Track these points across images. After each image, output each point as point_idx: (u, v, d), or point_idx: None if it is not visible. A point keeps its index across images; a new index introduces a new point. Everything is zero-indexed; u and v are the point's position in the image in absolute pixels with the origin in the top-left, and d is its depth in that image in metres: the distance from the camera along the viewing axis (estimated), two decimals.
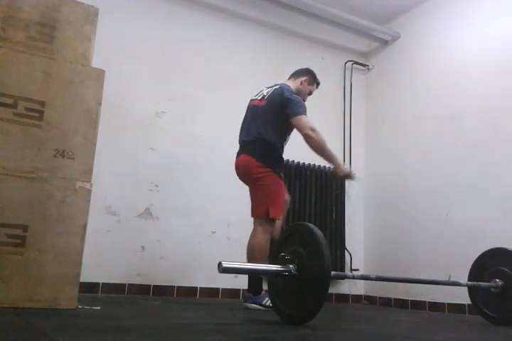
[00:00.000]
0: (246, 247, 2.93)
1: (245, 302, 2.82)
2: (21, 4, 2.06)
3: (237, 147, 3.79)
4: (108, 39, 3.32)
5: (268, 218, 2.78)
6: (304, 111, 2.81)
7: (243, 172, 2.88)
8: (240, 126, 3.03)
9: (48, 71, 2.04)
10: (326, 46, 4.56)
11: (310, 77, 3.12)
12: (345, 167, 2.95)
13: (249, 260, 2.78)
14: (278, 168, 2.84)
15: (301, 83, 3.07)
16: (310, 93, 3.15)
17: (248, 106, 3.05)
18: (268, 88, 3.02)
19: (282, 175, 2.88)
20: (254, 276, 2.80)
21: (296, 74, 3.12)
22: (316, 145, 2.81)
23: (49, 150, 1.99)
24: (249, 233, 3.75)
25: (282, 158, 2.92)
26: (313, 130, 2.78)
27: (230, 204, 3.75)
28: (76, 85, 2.09)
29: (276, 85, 2.99)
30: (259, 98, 2.98)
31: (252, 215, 2.89)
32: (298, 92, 3.00)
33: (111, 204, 3.33)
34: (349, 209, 4.26)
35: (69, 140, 2.03)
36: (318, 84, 3.17)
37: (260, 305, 2.72)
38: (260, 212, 2.80)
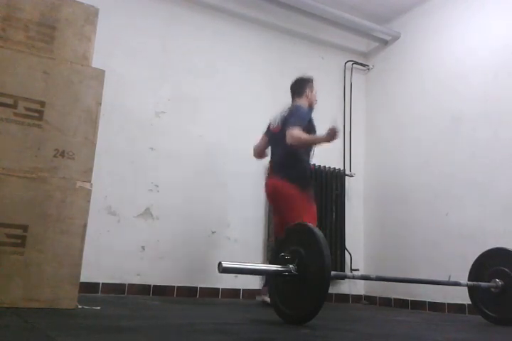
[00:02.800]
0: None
1: (261, 294, 2.94)
2: (21, 4, 2.06)
3: (237, 147, 3.81)
4: (108, 39, 3.32)
5: None
6: (295, 124, 2.92)
7: (273, 193, 3.04)
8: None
9: (48, 71, 2.04)
10: (326, 46, 4.56)
11: (308, 84, 3.23)
12: (327, 137, 2.92)
13: None
14: (308, 188, 3.02)
15: (307, 96, 3.20)
16: (315, 93, 3.27)
17: (270, 134, 3.20)
18: (281, 113, 3.16)
19: (312, 195, 3.05)
20: None
21: (298, 92, 3.22)
22: (300, 146, 2.98)
23: (49, 150, 1.99)
24: (249, 233, 3.77)
25: (309, 179, 3.14)
26: (294, 137, 2.88)
27: (230, 204, 3.75)
28: (76, 85, 2.09)
29: (287, 109, 3.14)
30: (275, 125, 3.14)
31: (277, 235, 3.02)
32: (310, 104, 3.20)
33: (111, 204, 3.33)
34: (349, 209, 4.26)
35: (69, 140, 2.03)
36: (312, 80, 3.27)
37: None
38: (281, 231, 2.89)
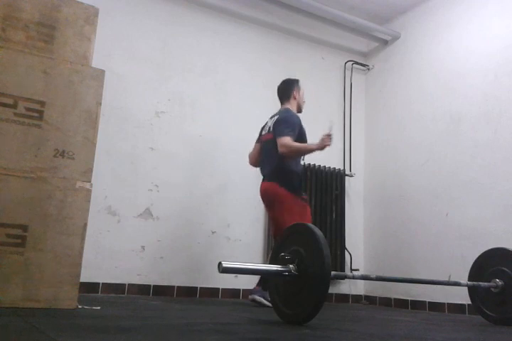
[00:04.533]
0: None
1: (252, 294, 2.94)
2: (21, 4, 2.06)
3: (237, 147, 3.81)
4: (108, 39, 3.33)
5: None
6: (285, 132, 2.93)
7: (265, 197, 3.04)
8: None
9: (48, 71, 2.04)
10: (326, 46, 4.56)
11: (294, 86, 3.21)
12: (320, 145, 2.94)
13: None
14: (298, 191, 3.02)
15: (295, 98, 3.19)
16: (303, 93, 3.25)
17: (262, 142, 3.19)
18: (271, 118, 3.16)
19: (304, 198, 3.05)
20: None
21: (284, 96, 3.21)
22: (293, 156, 3.00)
23: (49, 150, 1.99)
24: (249, 233, 3.78)
25: (301, 182, 3.14)
26: (286, 147, 2.90)
27: (230, 204, 3.75)
28: (76, 85, 2.09)
29: (276, 115, 3.13)
30: (267, 131, 3.13)
31: (273, 234, 3.07)
32: (299, 107, 3.20)
33: (111, 204, 3.33)
34: (349, 209, 4.27)
35: (69, 140, 2.03)
36: (298, 81, 3.26)
37: (267, 300, 2.81)
38: (276, 232, 2.95)
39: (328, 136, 2.92)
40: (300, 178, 3.12)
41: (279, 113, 3.12)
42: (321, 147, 2.94)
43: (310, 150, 3.02)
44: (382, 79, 4.57)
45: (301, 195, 3.05)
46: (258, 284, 2.99)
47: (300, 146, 2.95)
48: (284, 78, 3.29)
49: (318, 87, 4.33)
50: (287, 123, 2.99)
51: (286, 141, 2.89)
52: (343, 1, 4.31)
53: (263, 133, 3.20)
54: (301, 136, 3.01)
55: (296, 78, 3.26)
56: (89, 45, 2.18)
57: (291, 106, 3.17)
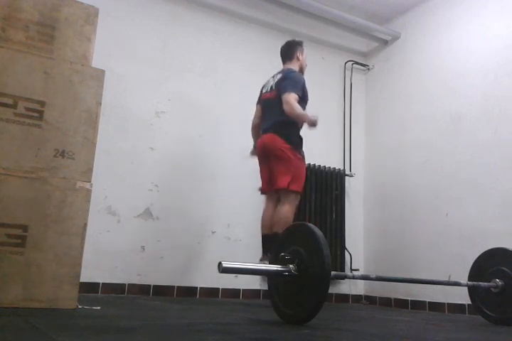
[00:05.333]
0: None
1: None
2: (21, 4, 2.06)
3: (237, 147, 3.81)
4: (108, 39, 3.32)
5: (288, 190, 2.93)
6: (292, 88, 2.93)
7: (268, 148, 3.02)
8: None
9: (48, 71, 2.04)
10: (326, 46, 4.56)
11: (298, 47, 3.24)
12: (312, 120, 2.93)
13: (270, 230, 2.93)
14: (299, 147, 3.03)
15: (298, 59, 3.20)
16: (306, 56, 3.28)
17: (262, 100, 3.19)
18: (273, 77, 3.16)
19: (304, 155, 3.06)
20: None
21: (288, 56, 3.23)
22: (292, 117, 2.95)
23: (49, 150, 1.99)
24: (249, 233, 3.77)
25: (302, 140, 3.09)
26: (290, 106, 2.88)
27: (230, 204, 3.75)
28: (76, 85, 2.09)
29: (279, 73, 3.13)
30: (269, 90, 3.12)
31: (271, 188, 3.04)
32: (301, 69, 3.20)
33: (111, 204, 3.33)
34: (349, 209, 4.26)
35: (69, 140, 2.03)
36: (302, 42, 3.29)
37: None
38: (282, 182, 2.94)
39: (316, 120, 2.91)
40: (300, 135, 3.09)
41: (283, 72, 3.10)
42: (310, 123, 2.91)
43: (304, 119, 2.96)
44: (382, 79, 4.57)
45: (300, 150, 3.03)
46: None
47: (300, 111, 2.92)
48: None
49: (318, 87, 4.32)
50: (292, 80, 2.99)
51: (293, 99, 2.89)
52: (343, 1, 4.31)
53: (263, 91, 3.19)
54: (304, 96, 3.01)
55: (300, 39, 3.28)
56: (89, 45, 2.18)
57: (294, 66, 3.16)
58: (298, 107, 2.90)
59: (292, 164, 2.96)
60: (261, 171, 3.17)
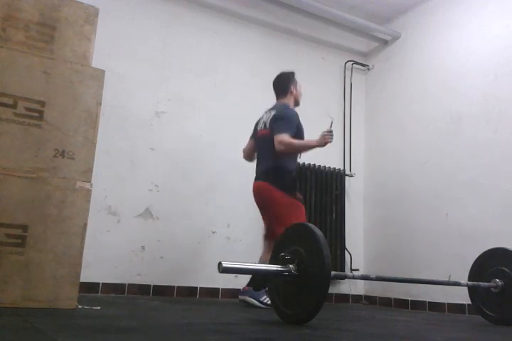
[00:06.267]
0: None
1: (242, 295, 2.90)
2: (21, 4, 2.06)
3: (237, 147, 3.81)
4: (108, 39, 3.32)
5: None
6: (284, 129, 2.86)
7: (261, 197, 2.96)
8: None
9: (48, 71, 2.04)
10: (326, 46, 4.56)
11: (291, 80, 3.14)
12: (321, 141, 2.89)
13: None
14: (294, 190, 2.96)
15: (292, 93, 3.12)
16: (299, 87, 3.19)
17: (257, 137, 3.13)
18: (266, 113, 3.09)
19: (299, 197, 2.98)
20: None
21: (281, 91, 3.14)
22: (291, 152, 2.93)
23: (49, 150, 1.99)
24: (249, 233, 3.77)
25: (295, 181, 3.06)
26: (285, 145, 2.83)
27: (230, 204, 3.75)
28: (76, 85, 2.09)
29: (272, 109, 3.06)
30: (263, 127, 3.06)
31: (272, 236, 2.90)
32: (296, 101, 3.13)
33: (111, 204, 3.33)
34: (349, 209, 4.26)
35: (69, 140, 2.03)
36: (294, 74, 3.19)
37: (258, 301, 2.77)
38: (269, 234, 2.90)
39: (329, 133, 2.86)
40: (294, 177, 3.05)
41: (276, 109, 3.03)
42: (322, 143, 2.87)
43: (310, 147, 2.95)
44: (382, 79, 4.57)
45: (295, 194, 2.96)
46: (248, 284, 2.93)
47: (300, 143, 2.90)
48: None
49: (318, 87, 4.32)
50: (285, 119, 2.92)
51: (285, 138, 2.82)
52: (343, 1, 4.31)
53: (258, 128, 3.12)
54: (299, 133, 2.95)
55: (292, 71, 3.19)
56: (89, 45, 2.18)
57: (289, 101, 3.10)
58: (292, 142, 2.84)
59: (279, 206, 2.86)
60: (262, 217, 3.08)
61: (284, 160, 2.93)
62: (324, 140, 2.87)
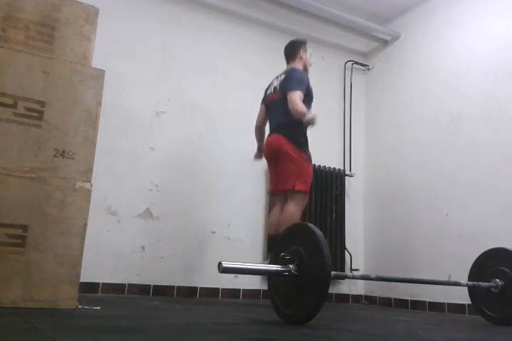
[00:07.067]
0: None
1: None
2: (21, 4, 2.06)
3: (237, 147, 3.82)
4: (108, 39, 3.32)
5: (295, 190, 2.94)
6: (296, 86, 2.94)
7: (274, 150, 3.04)
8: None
9: (48, 71, 2.04)
10: (326, 46, 4.56)
11: (301, 46, 3.25)
12: (310, 119, 2.94)
13: (276, 230, 2.91)
14: (305, 148, 3.04)
15: (301, 57, 3.21)
16: (309, 55, 3.29)
17: (267, 102, 3.21)
18: (277, 78, 3.17)
19: (309, 154, 3.06)
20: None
21: (291, 55, 3.23)
22: (296, 114, 2.93)
23: (49, 150, 1.99)
24: (249, 233, 3.77)
25: (307, 140, 3.10)
26: (294, 105, 2.89)
27: (230, 204, 3.75)
28: (76, 85, 2.09)
29: (283, 73, 3.14)
30: (273, 91, 3.14)
31: (278, 189, 3.06)
32: (305, 67, 3.21)
33: (111, 204, 3.33)
34: (349, 209, 4.26)
35: (69, 140, 2.03)
36: (305, 42, 3.31)
37: None
38: (287, 183, 2.96)
39: (314, 118, 2.93)
40: (306, 135, 3.10)
41: (286, 72, 3.12)
42: (310, 121, 2.93)
43: (306, 117, 2.95)
44: (382, 79, 4.57)
45: (306, 151, 3.05)
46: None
47: (302, 111, 2.91)
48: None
49: (318, 87, 4.28)
50: (296, 79, 3.00)
51: (298, 97, 2.89)
52: (343, 1, 4.31)
53: (268, 92, 3.20)
54: (308, 94, 3.02)
55: (303, 38, 3.30)
56: (89, 45, 2.18)
57: (298, 65, 3.17)
58: (301, 105, 2.90)
59: (298, 165, 2.98)
60: (270, 172, 3.21)
61: (296, 120, 2.97)
62: (312, 120, 2.92)
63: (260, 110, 3.30)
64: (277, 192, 3.12)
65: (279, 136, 3.02)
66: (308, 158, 3.04)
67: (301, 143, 3.03)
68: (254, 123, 3.34)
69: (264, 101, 3.26)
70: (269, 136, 3.14)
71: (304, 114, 2.93)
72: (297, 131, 3.02)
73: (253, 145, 3.38)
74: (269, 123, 3.20)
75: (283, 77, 3.09)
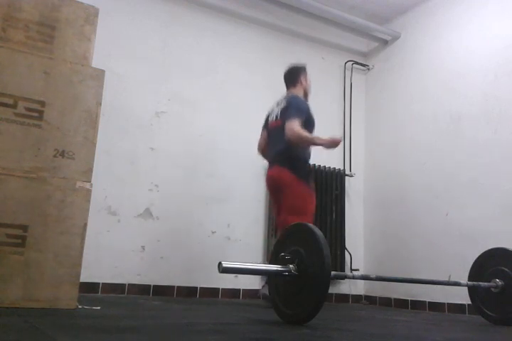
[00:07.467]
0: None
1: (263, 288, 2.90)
2: (21, 4, 2.06)
3: (237, 147, 3.82)
4: (108, 39, 3.32)
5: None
6: (295, 115, 2.88)
7: (275, 181, 2.95)
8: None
9: (48, 71, 2.04)
10: (326, 46, 4.56)
11: (302, 72, 3.19)
12: (329, 142, 2.91)
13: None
14: (306, 178, 2.94)
15: (302, 83, 3.16)
16: (309, 79, 3.24)
17: (269, 129, 3.13)
18: (277, 104, 3.11)
19: (312, 186, 2.99)
20: None
21: (291, 82, 3.18)
22: (297, 143, 2.89)
23: (49, 150, 1.99)
24: (249, 233, 3.77)
25: (310, 170, 3.06)
26: (293, 132, 2.83)
27: (230, 204, 3.75)
28: (76, 85, 2.09)
29: (283, 99, 3.08)
30: (274, 119, 3.07)
31: (276, 225, 3.00)
32: (305, 93, 3.16)
33: (111, 204, 3.33)
34: (349, 209, 4.26)
35: (69, 140, 2.03)
36: (305, 67, 3.24)
37: None
38: (283, 220, 2.84)
39: (338, 140, 2.88)
40: (308, 165, 3.06)
41: (286, 99, 3.07)
42: (328, 145, 2.88)
43: (315, 143, 2.92)
44: (382, 79, 4.57)
45: (308, 181, 2.97)
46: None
47: (307, 135, 2.87)
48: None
49: (318, 87, 4.30)
50: (295, 107, 2.95)
51: (295, 125, 2.82)
52: (343, 1, 4.31)
53: (270, 120, 3.15)
54: (309, 123, 2.96)
55: (303, 64, 3.25)
56: (89, 45, 2.18)
57: (298, 91, 3.13)
58: (300, 131, 2.83)
59: (297, 195, 2.87)
60: (272, 205, 3.11)
61: (296, 147, 2.92)
62: (333, 141, 2.87)
63: (262, 135, 3.22)
64: (281, 227, 2.94)
65: (278, 166, 2.94)
66: (310, 189, 2.93)
67: (302, 173, 2.93)
68: (257, 146, 3.24)
69: (265, 127, 3.19)
70: (269, 166, 3.06)
71: (311, 140, 2.88)
72: (299, 162, 2.94)
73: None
74: (269, 153, 3.12)
75: (283, 104, 3.03)
